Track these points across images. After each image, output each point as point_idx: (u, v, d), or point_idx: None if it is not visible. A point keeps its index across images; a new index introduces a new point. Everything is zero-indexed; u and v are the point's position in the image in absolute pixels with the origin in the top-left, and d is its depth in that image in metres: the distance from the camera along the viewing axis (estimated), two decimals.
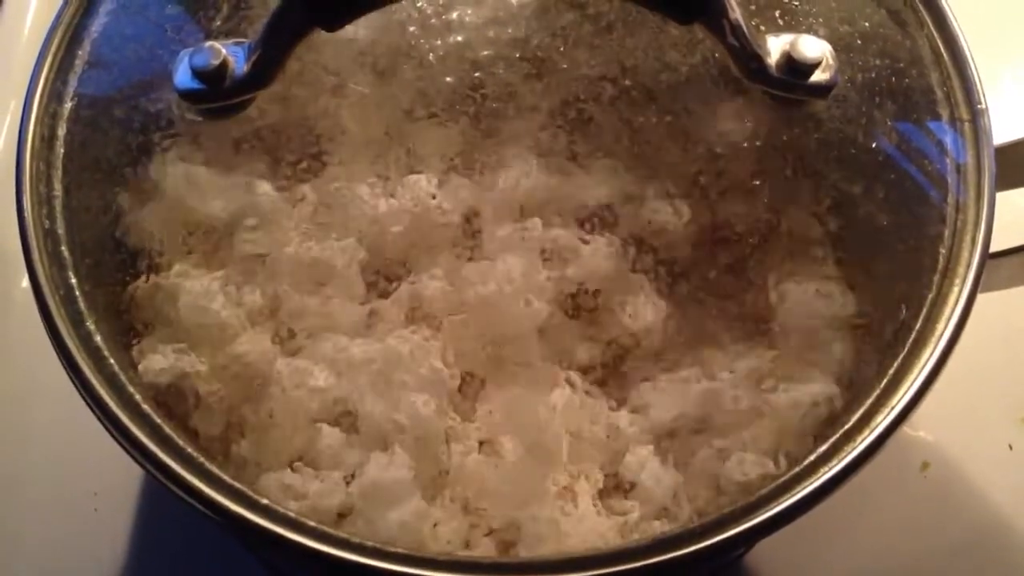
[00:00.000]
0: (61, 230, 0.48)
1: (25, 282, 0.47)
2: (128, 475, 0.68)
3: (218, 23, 0.52)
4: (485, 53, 0.51)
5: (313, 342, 0.50)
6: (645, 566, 0.41)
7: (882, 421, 0.44)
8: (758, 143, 0.51)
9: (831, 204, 0.52)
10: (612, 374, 0.52)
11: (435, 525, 0.46)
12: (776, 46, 0.48)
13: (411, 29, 0.52)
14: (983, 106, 0.50)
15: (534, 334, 0.50)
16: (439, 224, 0.51)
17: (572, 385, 0.50)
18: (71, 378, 0.45)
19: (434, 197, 0.51)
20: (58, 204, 0.48)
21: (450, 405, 0.49)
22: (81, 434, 0.60)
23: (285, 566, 0.61)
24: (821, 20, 0.52)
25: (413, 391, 0.48)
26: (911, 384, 0.45)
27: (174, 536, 0.67)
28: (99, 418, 0.44)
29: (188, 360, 0.49)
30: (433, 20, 0.51)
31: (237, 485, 0.43)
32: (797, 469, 0.44)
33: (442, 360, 0.49)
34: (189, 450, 0.43)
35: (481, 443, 0.49)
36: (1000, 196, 0.49)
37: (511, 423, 0.49)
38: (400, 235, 0.51)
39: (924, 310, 0.47)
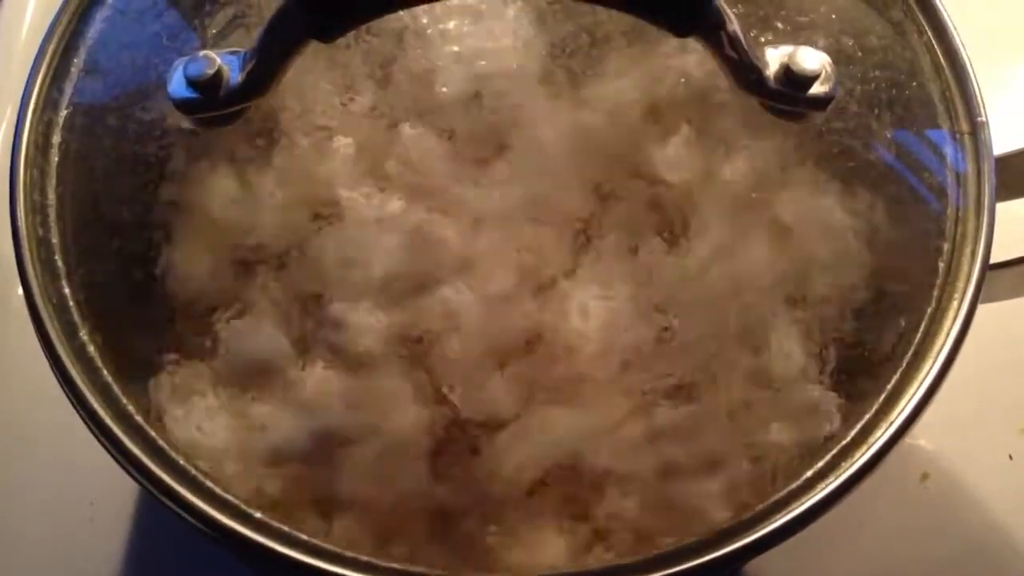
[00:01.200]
0: (55, 239, 0.48)
1: (21, 290, 0.46)
2: (124, 485, 0.67)
3: (213, 32, 0.52)
4: (482, 63, 0.51)
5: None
6: None
7: (880, 437, 0.44)
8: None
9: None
10: None
11: None
12: (774, 58, 0.47)
13: (408, 40, 0.51)
14: (983, 119, 0.50)
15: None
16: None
17: None
18: (64, 389, 0.45)
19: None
20: (52, 213, 0.48)
21: None
22: (77, 443, 0.59)
23: None
24: (820, 32, 0.52)
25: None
26: (910, 399, 0.45)
27: (169, 546, 0.67)
28: (91, 430, 0.44)
29: None
30: (430, 31, 0.51)
31: (230, 499, 0.43)
32: (794, 485, 0.44)
33: None
34: (182, 462, 0.43)
35: None
36: (1001, 207, 0.49)
37: None
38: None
39: (924, 323, 0.47)
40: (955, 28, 0.52)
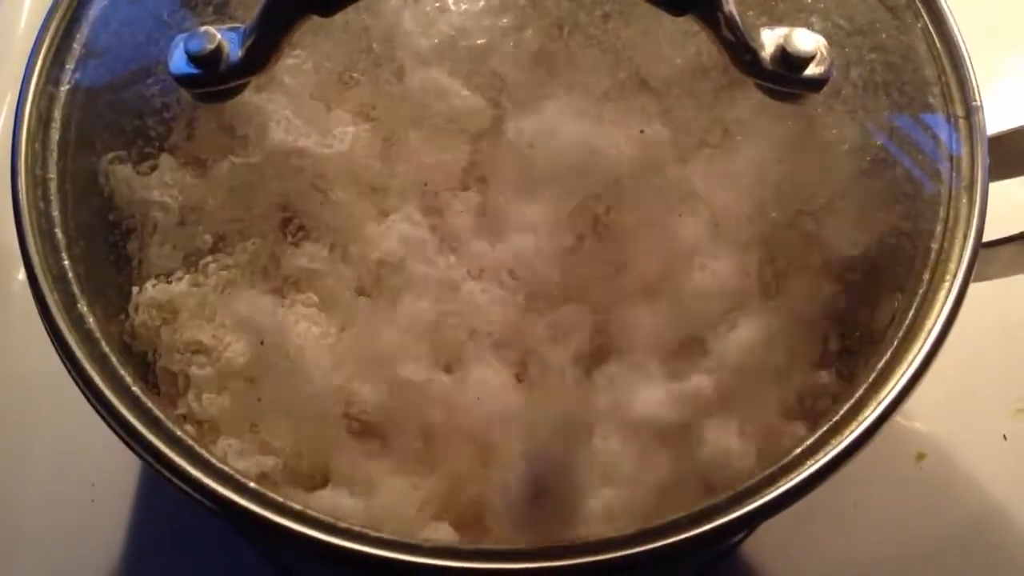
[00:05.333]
0: (56, 212, 0.48)
1: (22, 274, 0.47)
2: (126, 466, 0.68)
3: (213, 7, 0.52)
4: (480, 42, 0.51)
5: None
6: (632, 554, 0.42)
7: (870, 415, 0.44)
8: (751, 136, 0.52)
9: (824, 197, 0.52)
10: None
11: None
12: (770, 39, 0.48)
13: (405, 15, 0.52)
14: (978, 103, 0.50)
15: None
16: None
17: None
18: (62, 359, 0.45)
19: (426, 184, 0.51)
20: (53, 187, 0.48)
21: None
22: (79, 425, 0.60)
23: (282, 554, 0.62)
24: (817, 14, 0.52)
25: None
26: (900, 378, 0.45)
27: (172, 526, 0.68)
28: (88, 399, 0.44)
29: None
30: (427, 8, 0.52)
31: (226, 469, 0.43)
32: (785, 460, 0.44)
33: None
34: (179, 433, 0.44)
35: None
36: (994, 186, 0.49)
37: None
38: None
39: (915, 303, 0.47)
40: (951, 11, 0.52)
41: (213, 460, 0.43)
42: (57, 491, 0.69)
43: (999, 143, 0.51)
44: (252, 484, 0.43)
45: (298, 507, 0.42)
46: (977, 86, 0.50)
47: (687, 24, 0.47)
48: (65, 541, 0.68)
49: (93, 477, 0.69)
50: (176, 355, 0.49)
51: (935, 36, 0.51)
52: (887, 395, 0.45)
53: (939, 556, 0.68)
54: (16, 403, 0.72)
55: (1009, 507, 0.70)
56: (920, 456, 0.70)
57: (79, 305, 0.46)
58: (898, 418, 0.45)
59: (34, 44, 0.51)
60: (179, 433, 0.44)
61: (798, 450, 0.44)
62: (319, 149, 0.51)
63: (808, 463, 0.44)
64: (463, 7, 0.52)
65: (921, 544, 0.69)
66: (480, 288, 0.50)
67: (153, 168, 0.51)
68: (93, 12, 0.51)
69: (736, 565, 0.67)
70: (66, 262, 0.47)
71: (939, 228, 0.48)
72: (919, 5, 0.52)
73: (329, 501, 0.48)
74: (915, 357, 0.46)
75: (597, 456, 0.48)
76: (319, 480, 0.49)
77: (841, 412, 0.45)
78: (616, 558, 0.42)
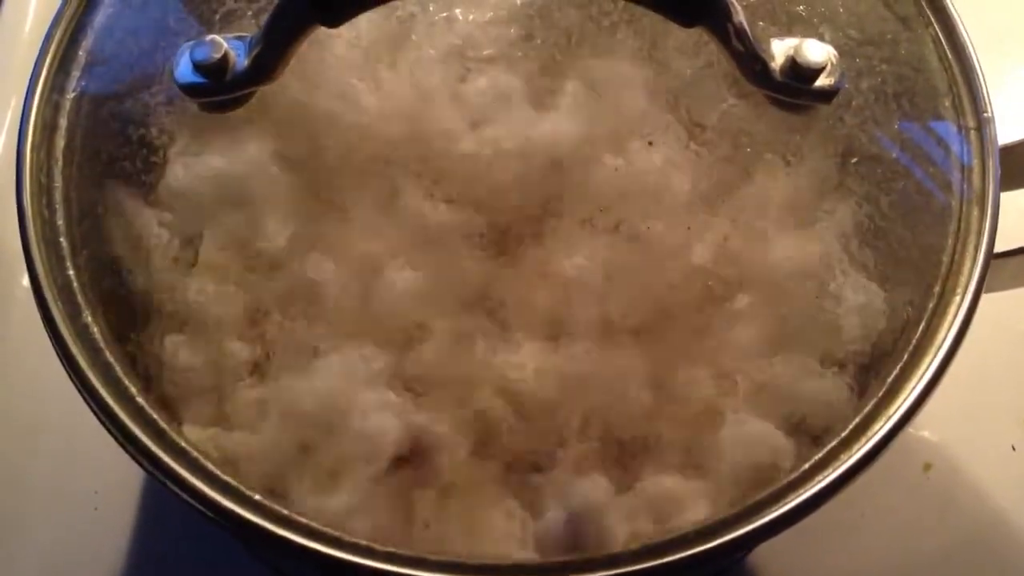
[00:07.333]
0: (60, 221, 0.48)
1: (26, 280, 0.47)
2: (129, 474, 0.68)
3: (220, 17, 0.52)
4: (487, 52, 0.51)
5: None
6: (644, 569, 0.42)
7: (880, 429, 0.44)
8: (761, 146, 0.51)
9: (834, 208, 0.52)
10: None
11: None
12: (780, 50, 0.47)
13: (413, 26, 0.51)
14: (989, 114, 0.50)
15: None
16: None
17: None
18: (66, 368, 0.45)
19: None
20: (58, 194, 0.48)
21: None
22: (82, 433, 0.60)
23: (286, 565, 0.62)
24: (827, 24, 0.52)
25: None
26: (910, 392, 0.45)
27: (175, 535, 0.67)
28: (92, 408, 0.44)
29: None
30: (436, 17, 0.51)
31: (229, 480, 0.43)
32: (793, 476, 0.44)
33: None
34: (183, 444, 0.44)
35: None
36: (1006, 197, 0.49)
37: None
38: None
39: (926, 316, 0.47)
40: (962, 22, 0.51)
41: (217, 471, 0.43)
42: (60, 498, 0.69)
43: (1010, 154, 0.51)
44: (256, 496, 0.42)
45: (303, 520, 0.42)
46: (988, 97, 0.50)
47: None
48: (68, 548, 0.68)
49: (96, 484, 0.68)
50: (180, 365, 0.49)
51: (946, 47, 0.51)
52: (897, 410, 0.45)
53: (946, 567, 0.68)
54: (19, 409, 0.71)
55: (1017, 518, 0.69)
56: (928, 466, 0.70)
57: (83, 315, 0.46)
58: (906, 428, 0.45)
59: (39, 51, 0.50)
60: (182, 444, 0.44)
61: (806, 465, 0.44)
62: None
63: (817, 478, 0.43)
64: None
65: (928, 555, 0.68)
66: None
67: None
68: (98, 19, 0.51)
69: None
70: (71, 271, 0.47)
71: (950, 240, 0.48)
72: (930, 15, 0.52)
73: None
74: (926, 371, 0.45)
75: None
76: None
77: (851, 427, 0.45)
78: (629, 573, 0.42)
